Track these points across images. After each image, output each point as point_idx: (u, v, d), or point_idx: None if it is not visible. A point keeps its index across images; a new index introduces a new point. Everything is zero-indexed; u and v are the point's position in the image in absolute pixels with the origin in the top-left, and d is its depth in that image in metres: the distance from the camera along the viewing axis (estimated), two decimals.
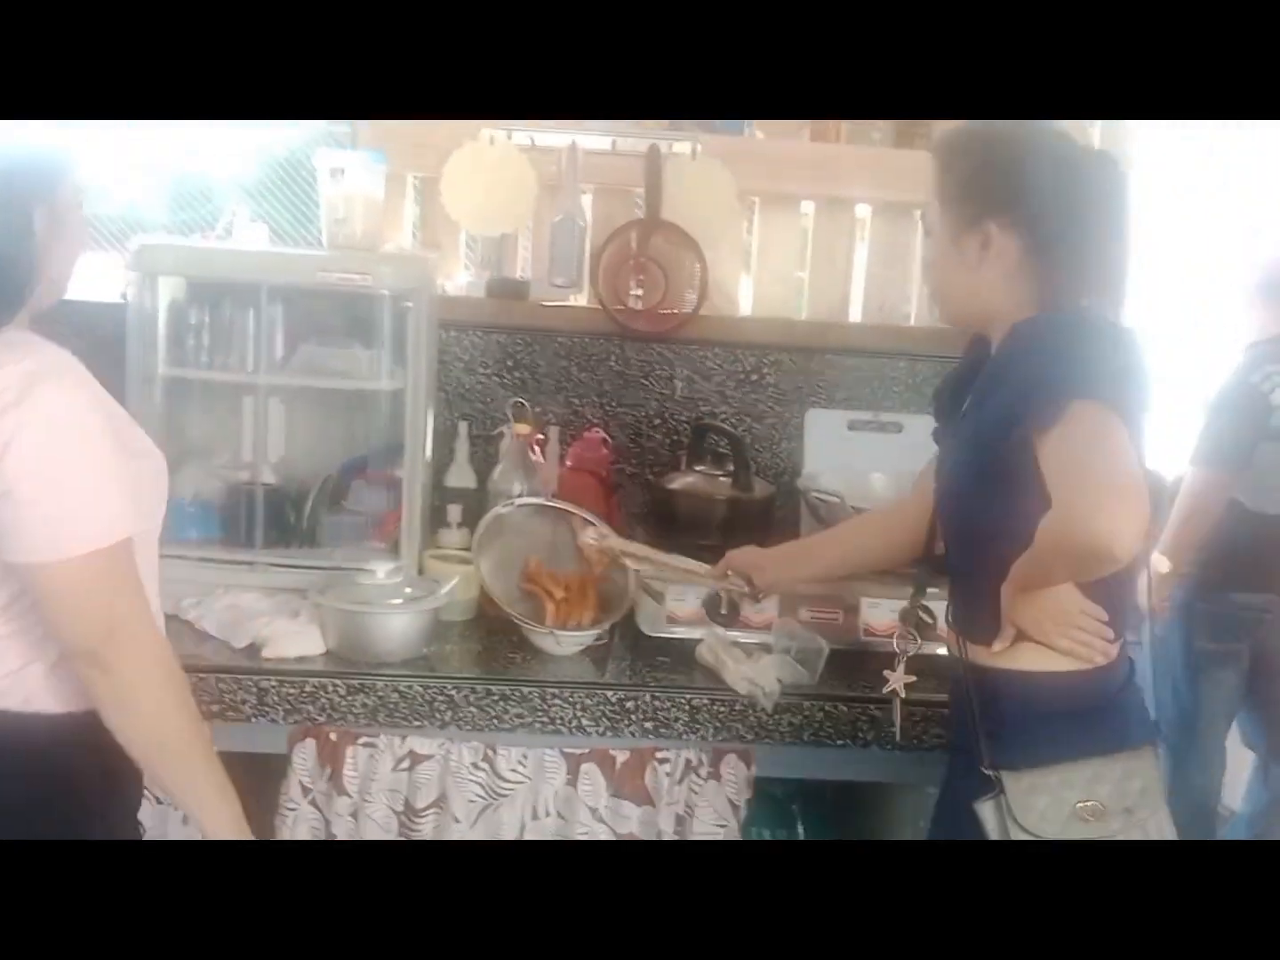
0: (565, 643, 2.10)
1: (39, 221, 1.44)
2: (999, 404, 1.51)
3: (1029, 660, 1.56)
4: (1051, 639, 1.54)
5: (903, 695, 1.82)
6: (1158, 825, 1.52)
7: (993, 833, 1.51)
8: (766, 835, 2.28)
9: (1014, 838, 1.49)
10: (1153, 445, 1.54)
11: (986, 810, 1.52)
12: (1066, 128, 1.59)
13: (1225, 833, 3.48)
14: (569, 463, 2.51)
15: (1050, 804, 1.50)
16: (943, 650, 1.88)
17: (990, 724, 1.56)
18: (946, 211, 1.59)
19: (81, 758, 1.50)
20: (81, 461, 1.40)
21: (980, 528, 1.58)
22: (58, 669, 1.49)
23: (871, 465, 2.59)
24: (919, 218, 2.75)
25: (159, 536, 1.62)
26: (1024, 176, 1.52)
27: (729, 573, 2.06)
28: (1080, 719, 1.55)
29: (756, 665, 2.03)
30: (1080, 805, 1.49)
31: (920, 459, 2.66)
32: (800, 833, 2.23)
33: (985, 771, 1.53)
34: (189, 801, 1.53)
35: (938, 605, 2.14)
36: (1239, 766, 3.47)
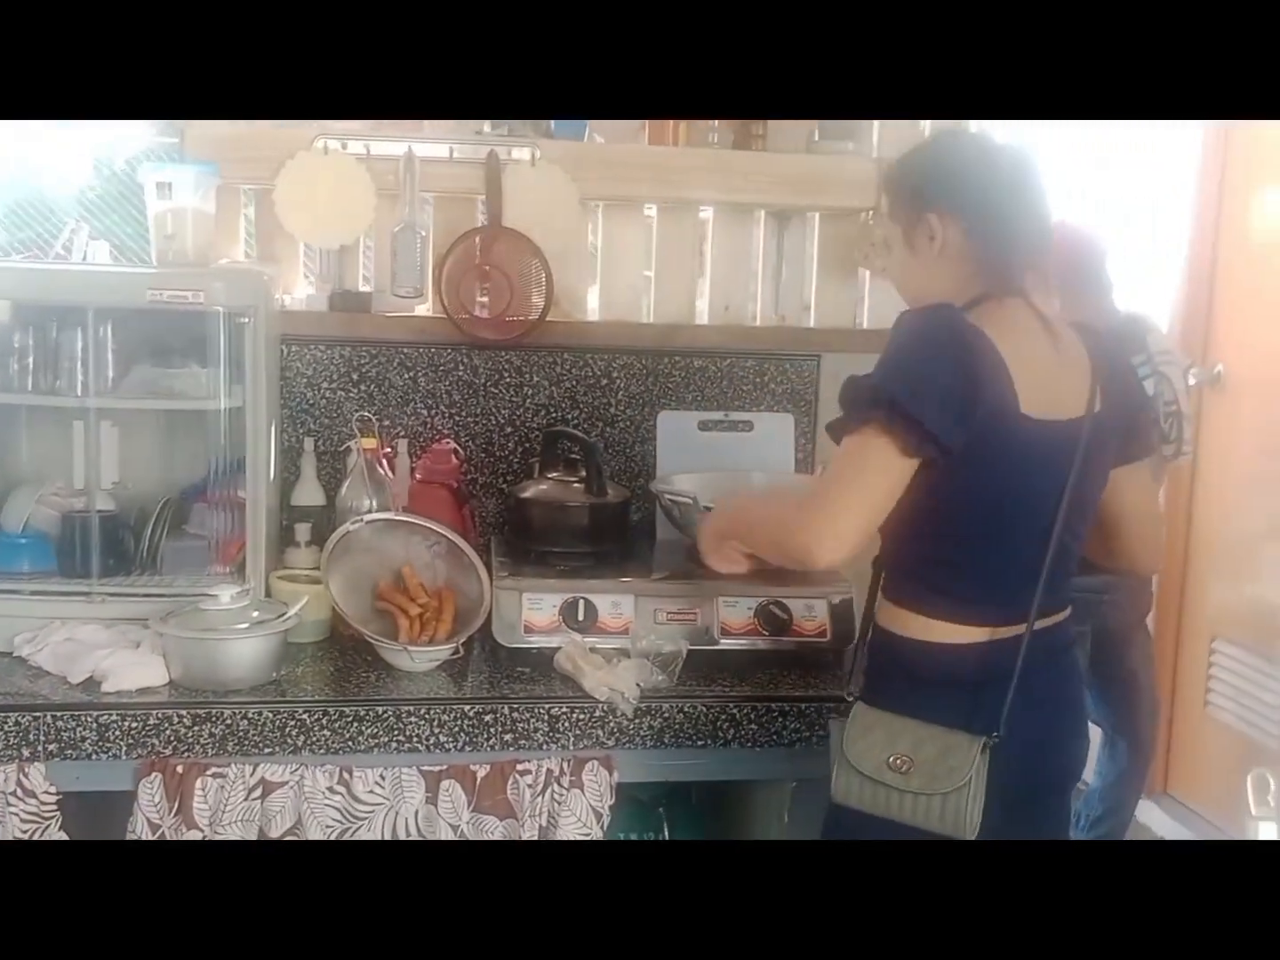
0: (419, 659, 2.06)
1: None
2: None
3: (913, 629, 1.70)
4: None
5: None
6: (955, 808, 1.60)
7: (833, 750, 1.71)
8: (633, 839, 2.28)
9: (842, 760, 1.67)
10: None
11: (835, 727, 1.74)
12: (983, 127, 1.82)
13: (1079, 805, 3.60)
14: (419, 475, 2.47)
15: (875, 743, 1.65)
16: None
17: (867, 665, 1.77)
18: (897, 219, 1.77)
19: None
20: None
21: None
22: None
23: (724, 464, 2.61)
24: (760, 219, 2.81)
25: None
26: (951, 171, 1.72)
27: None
28: (930, 687, 1.68)
29: (615, 671, 2.02)
30: (893, 758, 1.63)
31: (771, 456, 2.70)
32: (667, 835, 2.23)
33: (846, 698, 1.74)
34: None
35: (791, 603, 2.19)
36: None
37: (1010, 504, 1.67)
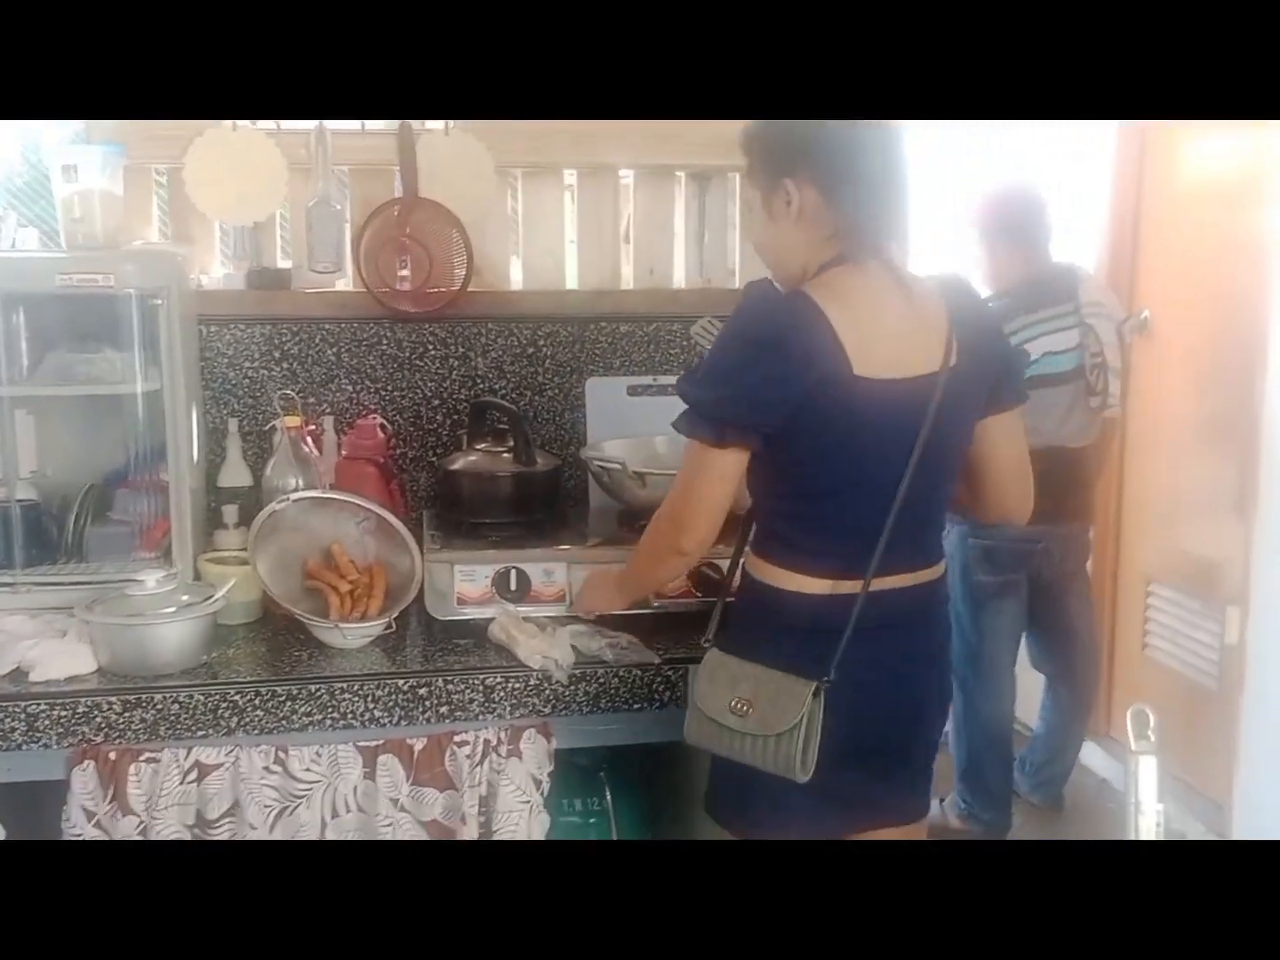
0: (351, 635, 2.05)
1: None
2: None
3: (766, 576, 1.77)
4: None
5: None
6: (786, 749, 1.66)
7: (690, 696, 1.79)
8: (577, 805, 2.28)
9: (691, 703, 1.76)
10: None
11: (690, 674, 1.83)
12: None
13: (1023, 752, 3.65)
14: (345, 452, 2.45)
15: (719, 687, 1.72)
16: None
17: (730, 614, 1.83)
18: (755, 185, 1.77)
19: None
20: None
21: None
22: None
23: (654, 429, 2.59)
24: (680, 182, 2.80)
25: None
26: (807, 136, 1.70)
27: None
28: (776, 633, 1.75)
29: (549, 638, 2.02)
30: (735, 701, 1.69)
31: None
32: (608, 799, 2.24)
33: (703, 644, 1.81)
34: None
35: (723, 563, 2.20)
36: (1033, 689, 3.64)
37: (848, 461, 1.70)
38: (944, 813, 3.52)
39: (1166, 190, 3.75)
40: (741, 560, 1.86)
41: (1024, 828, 3.57)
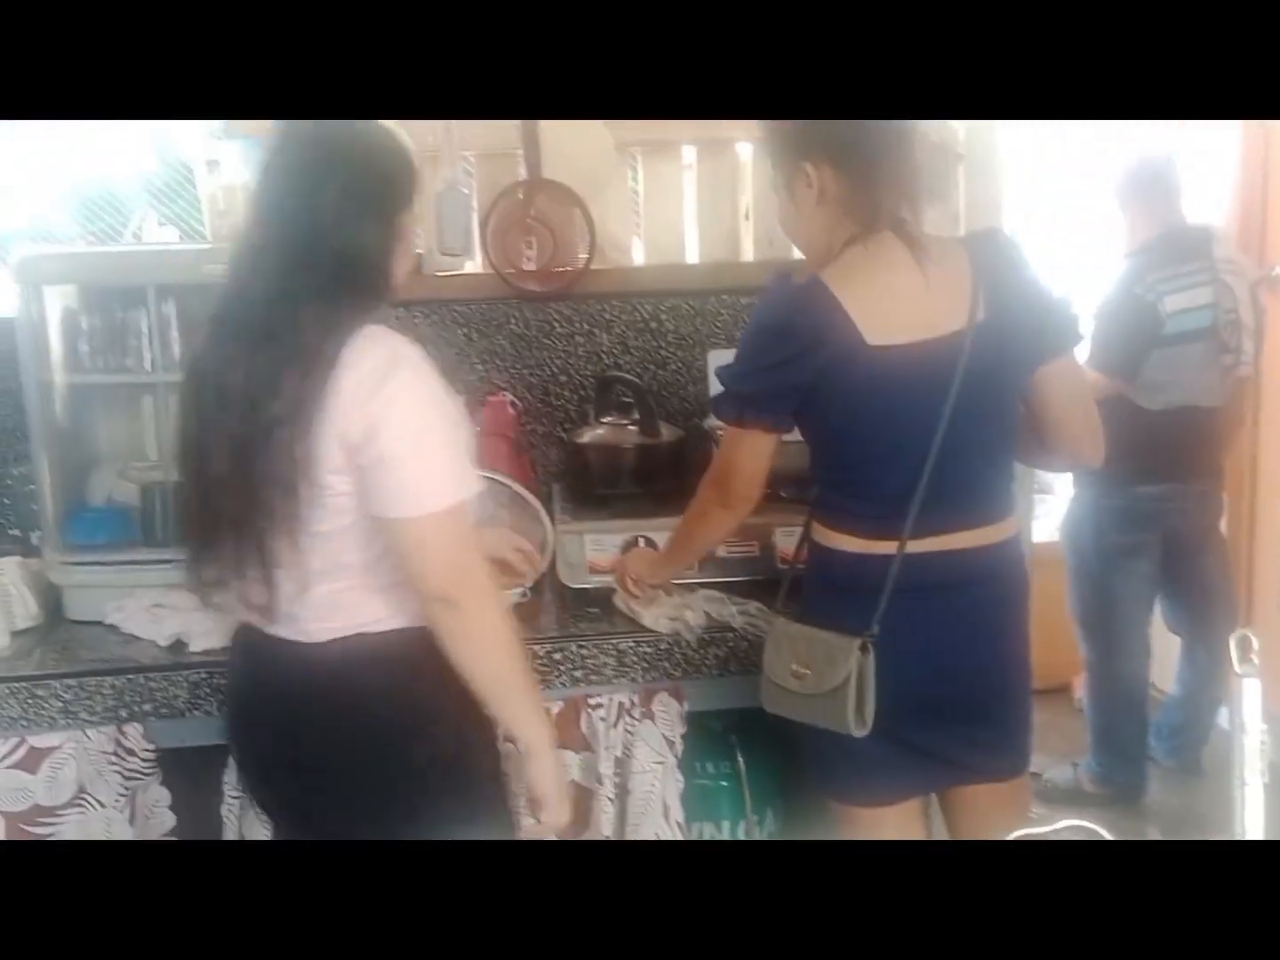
0: None
1: (403, 224, 1.65)
2: None
3: (819, 537, 1.86)
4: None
5: None
6: (836, 704, 1.72)
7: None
8: (709, 768, 2.33)
9: (764, 673, 1.82)
10: None
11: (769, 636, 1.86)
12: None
13: (1159, 716, 3.60)
14: (478, 429, 2.53)
15: (783, 654, 1.80)
16: None
17: (802, 583, 1.91)
18: (779, 171, 1.82)
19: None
20: (440, 430, 1.61)
21: None
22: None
23: None
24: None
25: None
26: (817, 120, 1.72)
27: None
28: (823, 591, 1.85)
29: (675, 602, 2.08)
30: (796, 665, 1.77)
31: None
32: (740, 762, 2.28)
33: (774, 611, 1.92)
34: (517, 723, 1.70)
35: None
36: (1169, 652, 3.59)
37: (876, 428, 1.75)
38: (1078, 776, 3.50)
39: None
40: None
41: (1160, 792, 3.53)
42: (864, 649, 1.71)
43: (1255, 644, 1.16)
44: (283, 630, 1.67)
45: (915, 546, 1.74)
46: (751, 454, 1.83)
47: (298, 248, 1.57)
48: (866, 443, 1.77)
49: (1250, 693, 1.17)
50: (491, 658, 1.64)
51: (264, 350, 1.56)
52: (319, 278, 1.57)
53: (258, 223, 1.63)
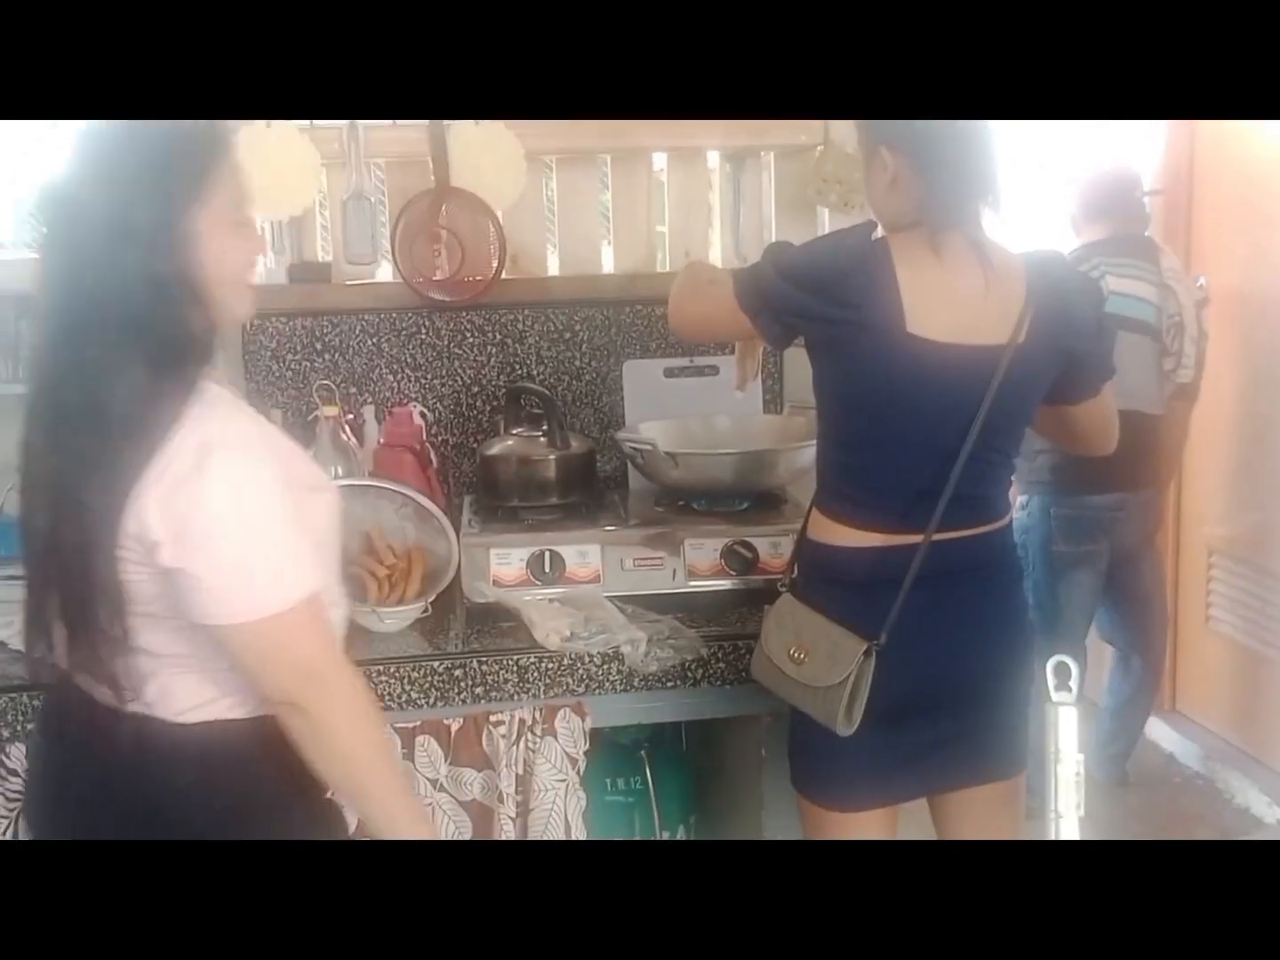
0: (388, 619, 2.09)
1: (201, 218, 1.39)
2: None
3: (821, 531, 1.83)
4: None
5: None
6: (831, 702, 1.70)
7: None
8: (619, 784, 2.31)
9: (759, 641, 1.83)
10: None
11: (768, 609, 1.86)
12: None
13: (1092, 728, 3.60)
14: (382, 440, 2.49)
15: (785, 632, 1.79)
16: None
17: (797, 564, 1.90)
18: (862, 152, 1.84)
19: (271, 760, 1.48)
20: (264, 526, 1.40)
21: None
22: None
23: (692, 409, 2.61)
24: (714, 162, 2.79)
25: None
26: None
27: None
28: (833, 587, 1.80)
29: (563, 614, 2.05)
30: (795, 649, 1.75)
31: (737, 398, 2.70)
32: (649, 778, 2.26)
33: (779, 588, 1.89)
34: (384, 830, 1.50)
35: (757, 542, 2.20)
36: (1101, 661, 3.60)
37: (898, 417, 1.73)
38: None
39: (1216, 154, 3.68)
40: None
41: (1086, 803, 3.52)
42: (868, 654, 1.69)
43: (1074, 671, 1.14)
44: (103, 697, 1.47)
45: (911, 540, 1.74)
46: (731, 328, 1.93)
47: (77, 308, 1.36)
48: (886, 428, 1.75)
49: (1066, 722, 1.15)
50: (348, 764, 1.47)
51: (70, 436, 1.39)
52: (106, 341, 1.36)
53: (42, 287, 1.40)
